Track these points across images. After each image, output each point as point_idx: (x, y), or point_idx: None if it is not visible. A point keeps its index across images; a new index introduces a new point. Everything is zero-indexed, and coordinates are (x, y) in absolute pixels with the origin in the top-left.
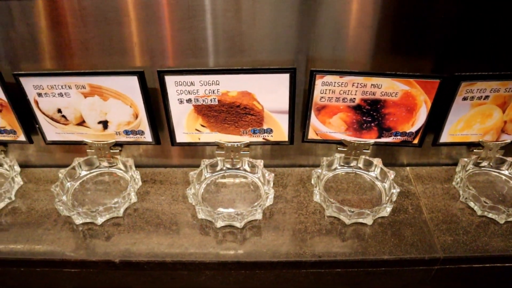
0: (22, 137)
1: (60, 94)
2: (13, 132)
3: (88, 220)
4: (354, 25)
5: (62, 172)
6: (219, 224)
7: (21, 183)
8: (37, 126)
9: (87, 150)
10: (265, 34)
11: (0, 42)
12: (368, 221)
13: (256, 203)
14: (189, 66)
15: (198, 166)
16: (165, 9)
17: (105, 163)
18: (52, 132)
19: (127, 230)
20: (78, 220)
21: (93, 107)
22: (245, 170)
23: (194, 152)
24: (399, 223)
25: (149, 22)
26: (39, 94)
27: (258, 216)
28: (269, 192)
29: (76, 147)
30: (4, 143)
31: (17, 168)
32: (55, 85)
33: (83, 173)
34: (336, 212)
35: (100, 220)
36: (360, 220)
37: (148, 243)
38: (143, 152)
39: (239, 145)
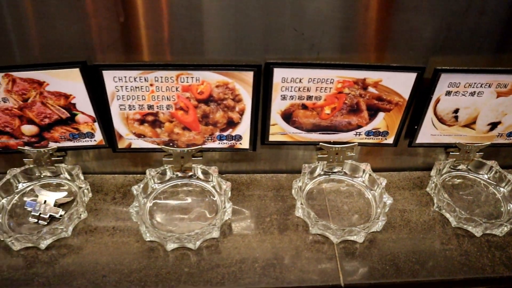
0: (390, 140)
1: (473, 94)
2: (386, 133)
3: None
4: None
5: None
6: None
7: None
8: (415, 127)
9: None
10: None
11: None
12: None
13: None
14: None
15: None
16: None
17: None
18: (427, 134)
19: None
20: None
21: (498, 107)
22: None
23: None
24: None
25: None
26: (448, 93)
27: None
28: None
29: None
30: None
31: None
32: (474, 83)
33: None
34: None
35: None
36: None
37: None
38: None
39: None
